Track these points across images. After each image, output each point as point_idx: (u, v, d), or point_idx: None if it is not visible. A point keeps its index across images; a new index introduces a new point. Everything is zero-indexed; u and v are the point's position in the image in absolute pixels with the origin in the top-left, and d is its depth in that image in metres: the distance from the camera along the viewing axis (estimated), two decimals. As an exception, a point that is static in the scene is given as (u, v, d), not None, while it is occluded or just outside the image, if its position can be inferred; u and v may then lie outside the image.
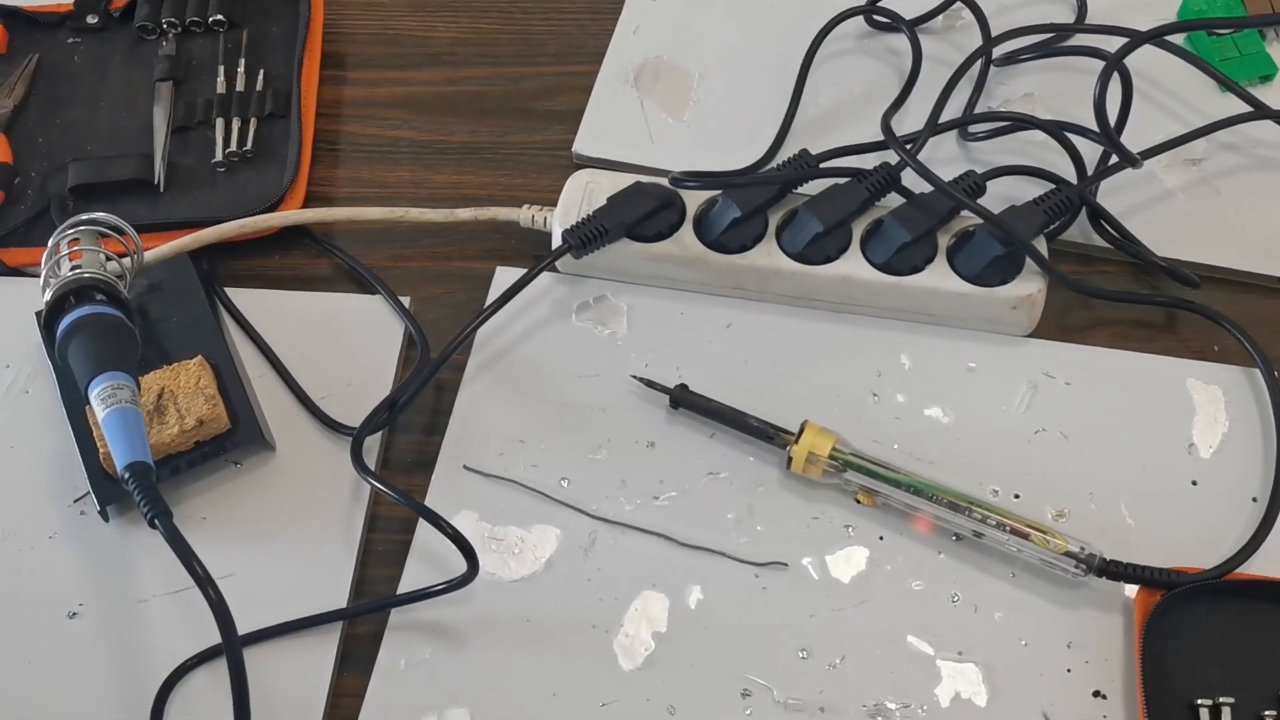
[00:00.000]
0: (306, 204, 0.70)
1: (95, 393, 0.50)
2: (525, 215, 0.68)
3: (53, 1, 0.78)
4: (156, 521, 0.45)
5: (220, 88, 0.73)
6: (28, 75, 0.74)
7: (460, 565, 0.57)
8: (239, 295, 0.68)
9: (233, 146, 0.70)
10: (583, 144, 0.72)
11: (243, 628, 0.56)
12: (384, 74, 0.77)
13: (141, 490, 0.46)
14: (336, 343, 0.66)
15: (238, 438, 0.61)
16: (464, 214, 0.68)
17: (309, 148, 0.71)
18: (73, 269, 0.58)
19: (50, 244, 0.61)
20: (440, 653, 0.57)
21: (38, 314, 0.65)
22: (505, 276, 0.67)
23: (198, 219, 0.68)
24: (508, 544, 0.59)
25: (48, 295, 0.55)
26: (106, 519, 0.60)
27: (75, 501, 0.61)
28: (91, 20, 0.76)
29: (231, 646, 0.46)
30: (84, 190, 0.69)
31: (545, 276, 0.67)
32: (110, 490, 0.60)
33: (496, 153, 0.73)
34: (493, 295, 0.67)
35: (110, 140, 0.72)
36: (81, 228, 0.61)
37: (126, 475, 0.46)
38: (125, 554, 0.60)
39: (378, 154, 0.74)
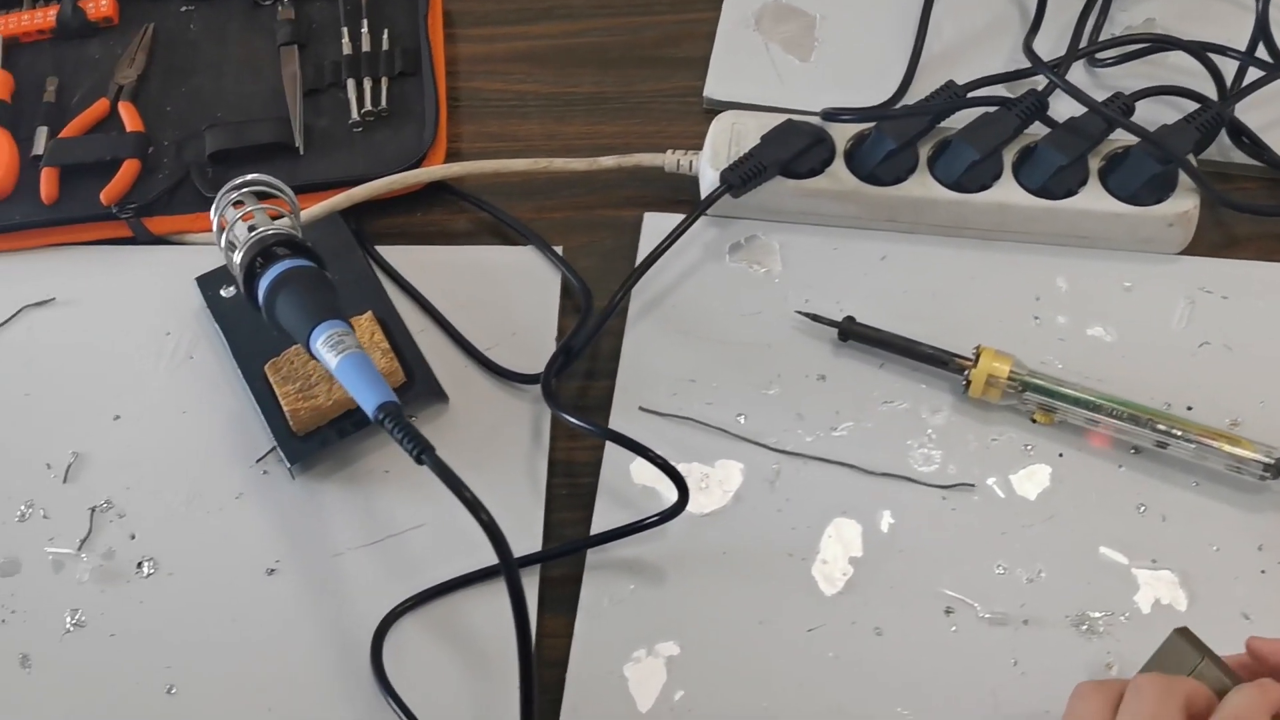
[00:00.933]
0: (446, 160, 0.70)
1: (320, 342, 0.50)
2: (670, 160, 0.68)
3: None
4: (423, 457, 0.45)
5: (346, 49, 0.73)
6: (146, 44, 0.74)
7: (651, 502, 0.59)
8: (390, 252, 0.68)
9: (367, 106, 0.71)
10: (713, 89, 0.73)
11: (439, 576, 0.58)
12: (501, 30, 0.77)
13: (401, 429, 0.46)
14: (494, 294, 0.66)
15: (414, 391, 0.62)
16: (607, 162, 0.69)
17: (445, 104, 0.71)
18: (250, 229, 0.58)
19: (215, 209, 0.61)
20: (641, 589, 0.58)
21: (199, 279, 0.65)
22: (655, 222, 0.68)
23: (340, 179, 0.68)
24: (693, 480, 0.60)
25: (238, 256, 0.55)
26: (293, 477, 0.61)
27: (258, 461, 0.62)
28: (206, -12, 0.76)
29: (509, 567, 0.45)
30: (222, 156, 0.69)
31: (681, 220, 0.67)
32: (298, 448, 0.60)
33: (625, 102, 0.74)
34: (644, 241, 0.67)
35: (238, 106, 0.72)
36: (245, 189, 0.61)
37: (381, 417, 0.46)
38: (314, 510, 0.60)
39: (505, 109, 0.74)
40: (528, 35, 0.76)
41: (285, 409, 0.60)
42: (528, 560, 0.58)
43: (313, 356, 0.50)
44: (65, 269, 0.68)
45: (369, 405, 0.46)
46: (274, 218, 0.61)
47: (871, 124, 0.65)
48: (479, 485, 0.59)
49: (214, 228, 0.61)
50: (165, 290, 0.67)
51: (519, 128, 0.73)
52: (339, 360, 0.48)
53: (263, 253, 0.54)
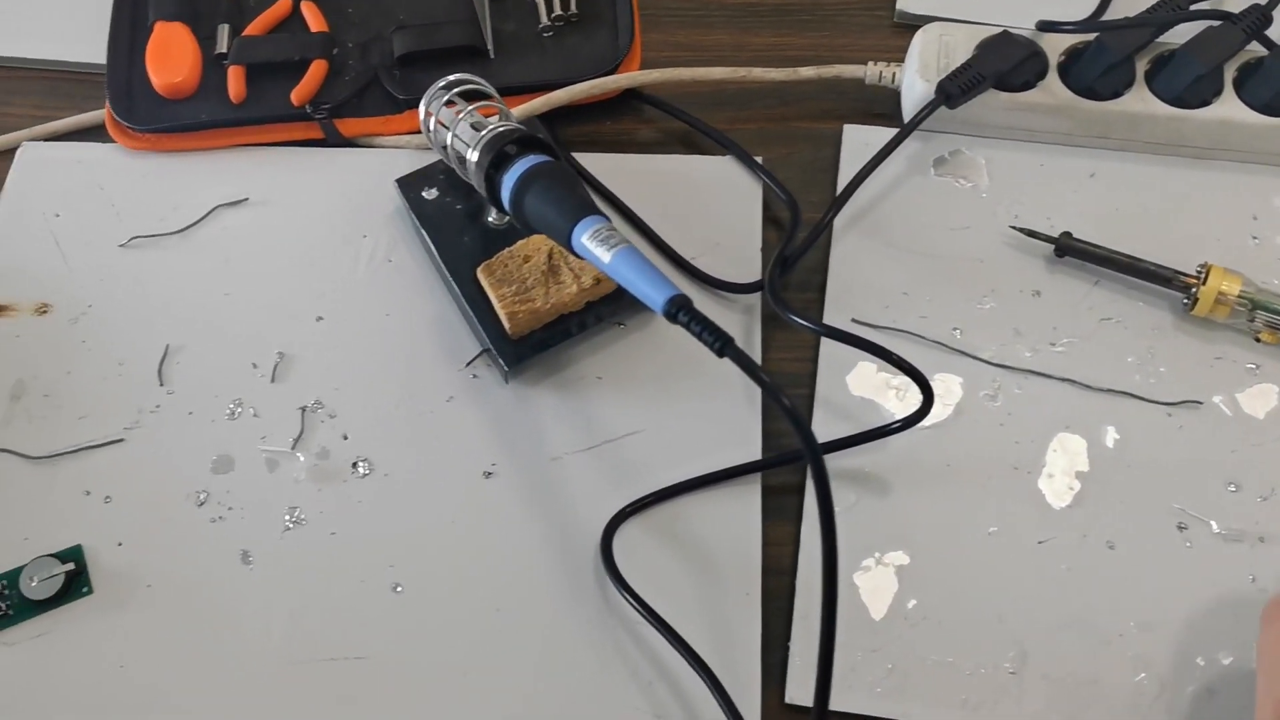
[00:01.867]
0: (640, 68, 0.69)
1: (586, 237, 0.49)
2: (871, 72, 0.67)
3: None
4: (725, 349, 0.44)
5: (532, -48, 0.71)
6: (323, -55, 0.72)
7: (870, 414, 0.58)
8: (585, 160, 0.67)
9: (557, 11, 0.69)
10: (908, 2, 0.71)
11: (659, 482, 0.58)
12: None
13: (698, 321, 0.45)
14: (694, 204, 0.65)
15: (627, 297, 0.61)
16: (806, 72, 0.67)
17: (637, 10, 0.69)
18: (475, 127, 0.56)
19: (426, 109, 0.60)
20: (866, 498, 0.57)
21: (399, 180, 0.64)
22: (856, 134, 0.67)
23: (533, 84, 0.67)
24: (912, 393, 0.59)
25: (472, 154, 0.54)
26: (506, 381, 0.60)
27: (467, 365, 0.61)
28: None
29: (814, 455, 0.43)
30: (411, 59, 0.68)
31: (889, 134, 0.66)
32: (513, 352, 0.59)
33: (813, 14, 0.72)
34: (845, 153, 0.66)
35: (420, 10, 0.70)
36: (454, 90, 0.60)
37: (673, 310, 0.45)
38: (527, 415, 0.60)
39: (691, 19, 0.72)
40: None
41: (502, 312, 0.59)
42: (750, 468, 0.58)
43: (573, 253, 0.49)
44: (255, 169, 0.66)
45: (657, 299, 0.45)
46: (486, 117, 0.60)
47: (1091, 36, 0.63)
48: (690, 395, 0.59)
49: (425, 128, 0.60)
50: (359, 193, 0.66)
51: (705, 38, 0.71)
52: (613, 255, 0.47)
53: (501, 150, 0.53)
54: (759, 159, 0.66)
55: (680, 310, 0.44)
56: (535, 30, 0.69)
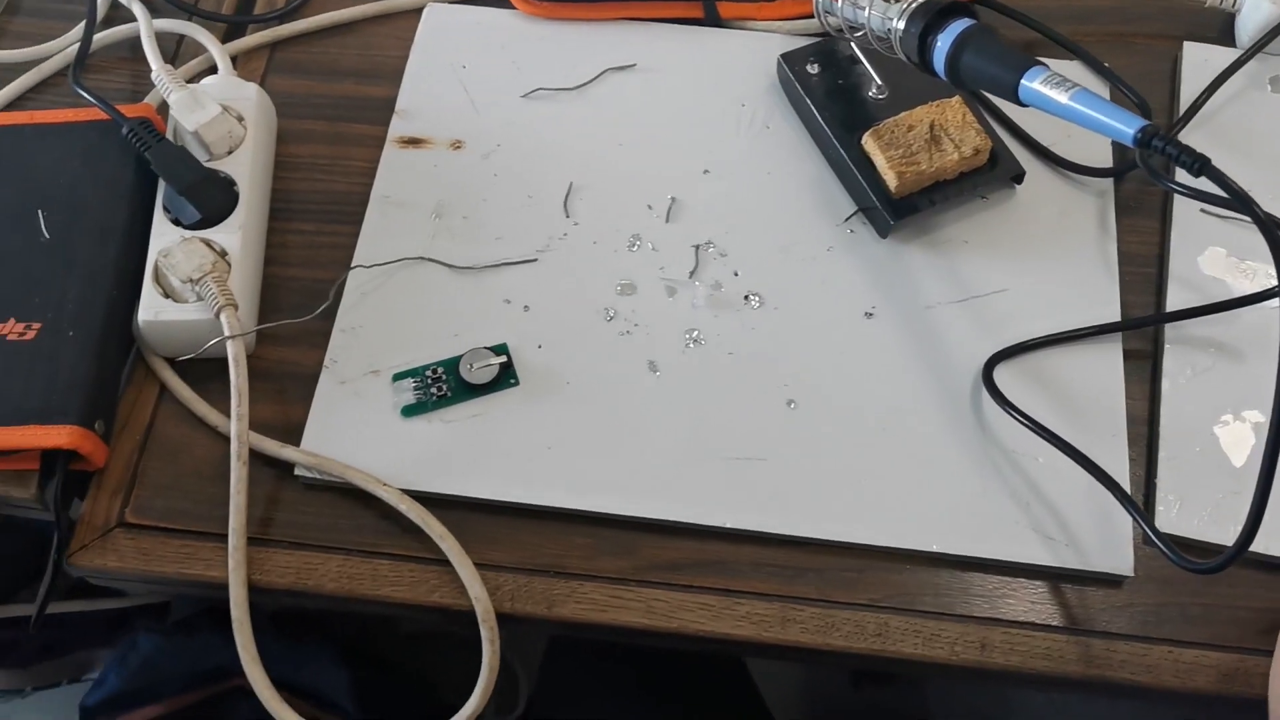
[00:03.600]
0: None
1: (1039, 82, 0.54)
2: (1213, -6, 0.73)
3: None
4: (1204, 169, 0.49)
5: None
6: None
7: (1220, 290, 0.63)
8: (941, 55, 0.73)
9: (916, -78, 0.75)
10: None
11: (1026, 334, 0.63)
12: None
13: (1173, 144, 0.50)
14: (1044, 101, 0.71)
15: (995, 171, 0.66)
16: (1149, -10, 0.73)
17: (991, -74, 0.75)
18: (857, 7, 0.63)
19: None
20: (1221, 364, 0.62)
21: (783, 55, 0.70)
22: (1195, 52, 0.72)
23: (895, -15, 0.73)
24: (1260, 276, 0.64)
25: (899, 23, 0.60)
26: (885, 235, 0.66)
27: (845, 220, 0.67)
28: None
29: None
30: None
31: (1229, 53, 0.71)
32: (896, 208, 0.65)
33: (1146, -56, 0.78)
34: (1186, 69, 0.71)
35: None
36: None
37: (1145, 138, 0.50)
38: (901, 268, 0.65)
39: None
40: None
41: (890, 172, 0.65)
42: (1111, 328, 0.63)
43: (1018, 102, 0.55)
44: (641, 41, 0.73)
45: (1126, 131, 0.51)
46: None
47: None
48: (1053, 261, 0.65)
49: (821, 9, 0.67)
50: (737, 67, 0.72)
51: (1043, -40, 0.78)
52: (1071, 95, 0.52)
53: (932, 17, 0.59)
54: (1106, 64, 0.72)
55: (1154, 136, 0.50)
56: (896, -63, 0.75)
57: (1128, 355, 0.63)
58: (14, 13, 0.75)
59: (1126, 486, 0.59)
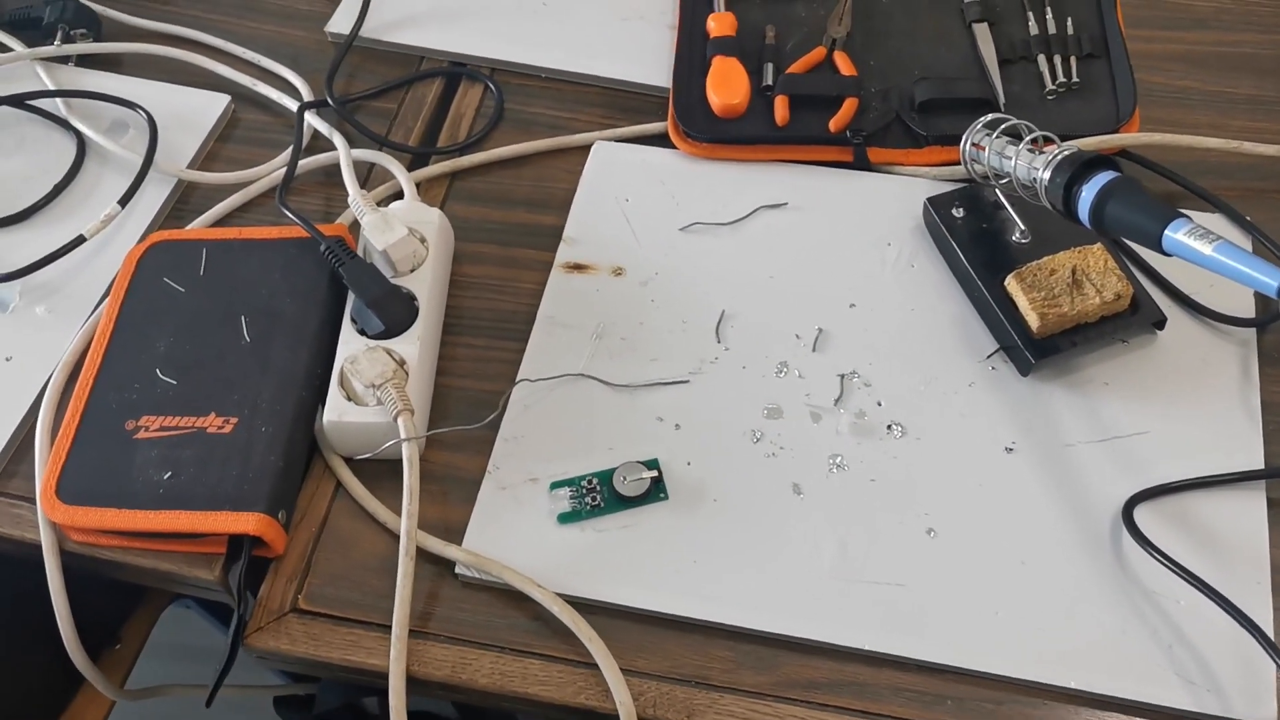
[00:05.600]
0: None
1: (1182, 234, 0.57)
2: (1359, 154, 0.74)
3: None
4: None
5: (1034, 29, 0.82)
6: (849, 9, 0.85)
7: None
8: (1082, 204, 0.76)
9: (1060, 79, 0.79)
10: (1383, 100, 0.79)
11: (1165, 477, 0.64)
12: (1157, 33, 0.85)
13: None
14: (1186, 251, 0.74)
15: (1137, 316, 0.69)
16: (1297, 149, 0.75)
17: (1133, 84, 0.79)
18: (1032, 152, 0.67)
19: (967, 141, 0.71)
20: (1368, 516, 0.63)
21: (930, 199, 0.74)
22: (1341, 207, 0.74)
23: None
24: None
25: (1044, 173, 0.64)
26: (1025, 374, 0.68)
27: (988, 357, 0.69)
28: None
29: None
30: (930, 105, 0.79)
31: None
32: (1038, 350, 0.67)
33: (1285, 104, 0.81)
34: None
35: (935, 65, 0.81)
36: (1001, 127, 0.70)
37: None
38: (1042, 406, 0.67)
39: (1169, 99, 0.81)
40: (1183, 40, 0.84)
41: (1032, 313, 0.67)
42: (1255, 475, 0.64)
43: (1165, 253, 0.58)
44: (793, 181, 0.78)
45: (1269, 283, 0.53)
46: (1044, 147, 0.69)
47: None
48: (1195, 407, 0.66)
49: (966, 157, 0.71)
50: (884, 208, 0.76)
51: (1185, 117, 0.80)
52: (1214, 246, 0.55)
53: (1077, 169, 0.62)
54: (1248, 218, 0.74)
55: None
56: (1040, 93, 0.79)
57: (1271, 504, 0.64)
58: (226, 140, 0.83)
59: (1270, 634, 0.59)
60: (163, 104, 0.83)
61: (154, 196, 0.79)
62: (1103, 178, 0.61)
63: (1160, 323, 0.69)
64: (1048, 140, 0.69)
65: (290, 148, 0.80)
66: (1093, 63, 0.80)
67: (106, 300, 0.72)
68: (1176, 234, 0.57)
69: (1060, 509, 0.64)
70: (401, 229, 0.71)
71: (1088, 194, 0.62)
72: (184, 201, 0.80)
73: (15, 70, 0.86)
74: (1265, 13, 0.85)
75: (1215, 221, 0.74)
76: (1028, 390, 0.68)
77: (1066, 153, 0.64)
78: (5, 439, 0.68)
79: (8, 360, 0.72)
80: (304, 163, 0.80)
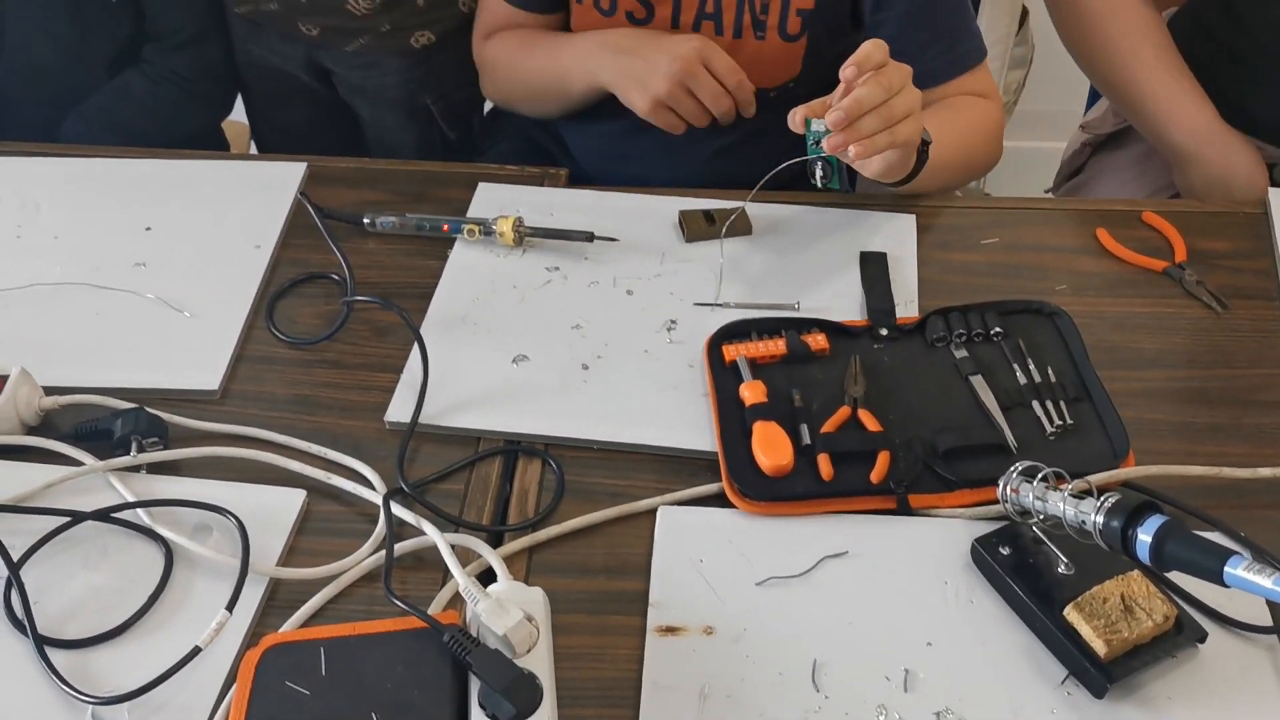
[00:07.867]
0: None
1: (1241, 569, 0.66)
2: (1318, 471, 0.87)
3: (844, 319, 1.01)
4: None
5: (1021, 379, 0.94)
6: (858, 370, 0.96)
7: None
8: (1102, 531, 0.86)
9: (1056, 421, 0.91)
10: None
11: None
12: (1117, 372, 0.97)
13: None
14: (1200, 567, 0.83)
15: (1182, 635, 0.77)
16: (1265, 472, 0.87)
17: (1122, 423, 0.91)
18: (1075, 495, 0.77)
19: (1004, 486, 0.82)
20: None
21: (978, 540, 0.83)
22: (1315, 517, 0.86)
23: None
24: None
25: (1098, 517, 0.74)
26: (1100, 696, 0.75)
27: (1062, 683, 0.76)
28: (883, 333, 0.99)
29: None
30: (953, 452, 0.89)
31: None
32: (1109, 673, 0.75)
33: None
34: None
35: (946, 417, 0.92)
36: (1038, 473, 0.81)
37: None
38: (1122, 724, 0.75)
39: (1144, 430, 0.93)
40: (1141, 378, 0.98)
41: (1098, 640, 0.75)
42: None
43: (1224, 585, 0.67)
44: (847, 530, 0.86)
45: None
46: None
47: None
48: (1246, 714, 0.74)
49: (1006, 499, 0.81)
50: (933, 549, 0.85)
51: (1160, 446, 0.92)
52: (1275, 580, 0.64)
53: (1131, 512, 0.72)
54: (1241, 534, 0.85)
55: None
56: (1043, 434, 0.91)
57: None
58: (302, 533, 0.87)
59: None
60: (241, 503, 0.87)
61: (250, 597, 0.82)
62: (1155, 521, 0.72)
63: (1203, 638, 0.78)
64: (1063, 478, 0.80)
65: (372, 537, 0.85)
66: (1080, 404, 0.93)
67: (229, 710, 0.73)
68: (1235, 570, 0.67)
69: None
70: (517, 612, 0.75)
71: (1144, 536, 0.72)
72: (272, 599, 0.83)
73: (84, 483, 0.89)
74: (1202, 350, 1.01)
75: (1215, 538, 0.85)
76: (1104, 712, 0.75)
77: (1119, 498, 0.75)
78: None
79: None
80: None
